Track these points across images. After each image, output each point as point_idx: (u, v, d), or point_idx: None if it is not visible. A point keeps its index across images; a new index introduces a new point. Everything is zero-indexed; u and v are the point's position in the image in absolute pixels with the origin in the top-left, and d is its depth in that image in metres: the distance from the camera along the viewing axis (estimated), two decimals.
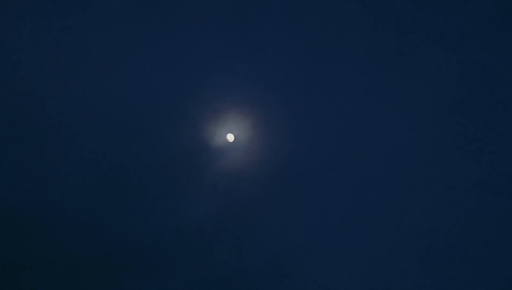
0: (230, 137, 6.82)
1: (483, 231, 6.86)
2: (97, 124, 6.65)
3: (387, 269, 7.08)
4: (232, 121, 6.75)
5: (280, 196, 7.05)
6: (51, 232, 7.03)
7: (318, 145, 6.89)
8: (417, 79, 6.63)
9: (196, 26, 6.42)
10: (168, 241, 7.14)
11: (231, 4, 6.41)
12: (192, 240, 7.15)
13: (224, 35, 6.50)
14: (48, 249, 7.09)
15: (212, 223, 7.08)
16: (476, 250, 6.90)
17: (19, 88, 6.43)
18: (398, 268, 7.05)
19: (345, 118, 6.84)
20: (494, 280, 6.86)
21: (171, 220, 7.06)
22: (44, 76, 6.43)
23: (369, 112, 6.80)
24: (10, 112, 6.53)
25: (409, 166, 6.91)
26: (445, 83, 6.60)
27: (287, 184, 7.02)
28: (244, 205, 7.05)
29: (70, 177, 6.86)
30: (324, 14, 6.47)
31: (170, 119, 6.68)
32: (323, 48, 6.59)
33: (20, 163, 6.75)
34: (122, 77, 6.50)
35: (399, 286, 7.07)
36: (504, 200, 6.76)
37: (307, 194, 7.06)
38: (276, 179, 6.98)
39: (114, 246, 7.12)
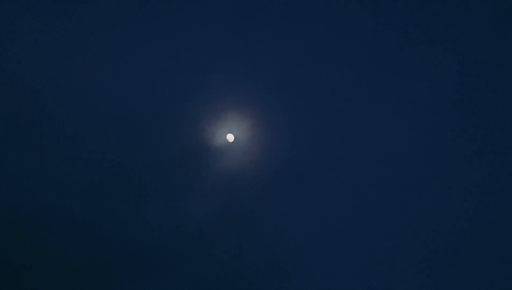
0: (230, 137, 6.82)
1: (483, 231, 6.86)
2: (97, 124, 6.65)
3: (387, 269, 7.08)
4: (232, 121, 6.75)
5: (280, 196, 7.05)
6: (51, 232, 7.03)
7: (318, 145, 6.89)
8: (417, 78, 6.62)
9: (196, 26, 6.41)
10: (168, 241, 7.14)
11: (231, 4, 6.40)
12: (192, 240, 7.15)
13: (224, 35, 6.50)
14: (48, 249, 7.09)
15: (212, 223, 7.09)
16: (476, 250, 6.90)
17: (19, 88, 6.43)
18: (398, 268, 7.05)
19: (345, 118, 6.84)
20: (494, 280, 6.86)
21: (171, 220, 7.06)
22: (44, 76, 6.43)
23: (369, 112, 6.80)
24: (10, 112, 6.53)
25: (409, 166, 6.91)
26: (445, 83, 6.60)
27: (287, 184, 7.02)
28: (244, 205, 7.05)
29: (70, 177, 6.86)
30: (324, 14, 6.47)
31: (170, 119, 6.68)
32: (323, 48, 6.59)
33: (20, 163, 6.75)
34: (122, 77, 6.50)
35: (399, 286, 7.07)
36: (504, 200, 6.76)
37: (307, 194, 7.06)
38: (276, 179, 6.98)
39: (114, 246, 7.12)
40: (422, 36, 6.51)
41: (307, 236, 7.15)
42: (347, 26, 6.50)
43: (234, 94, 6.69)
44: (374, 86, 6.69)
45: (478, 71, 6.53)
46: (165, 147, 6.78)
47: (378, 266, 7.09)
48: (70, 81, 6.46)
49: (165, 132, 6.72)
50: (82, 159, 6.81)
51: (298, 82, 6.69)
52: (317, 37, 6.54)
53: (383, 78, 6.66)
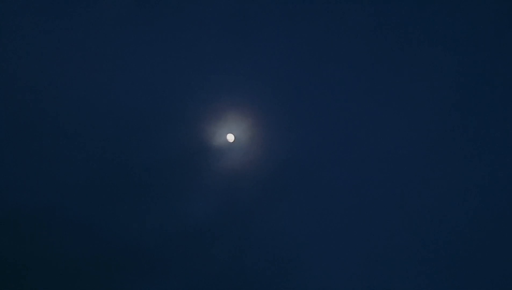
0: (230, 137, 6.82)
1: (483, 231, 6.87)
2: (97, 124, 6.65)
3: (387, 269, 7.08)
4: (232, 121, 6.75)
5: (280, 196, 7.05)
6: (51, 232, 7.03)
7: (318, 145, 6.89)
8: (417, 78, 6.63)
9: (196, 26, 6.41)
10: (168, 241, 7.15)
11: (231, 4, 6.40)
12: (192, 240, 7.15)
13: (224, 35, 6.49)
14: (48, 249, 7.09)
15: (212, 223, 7.09)
16: (476, 250, 6.91)
17: (20, 88, 6.43)
18: (398, 268, 7.05)
19: (345, 118, 6.84)
20: (494, 280, 6.87)
21: (171, 220, 7.06)
22: (44, 76, 6.42)
23: (369, 112, 6.80)
24: (10, 112, 6.53)
25: (409, 166, 6.91)
26: (445, 83, 6.60)
27: (287, 184, 7.02)
28: (244, 205, 7.05)
29: (70, 177, 6.85)
30: (324, 14, 6.47)
31: (170, 119, 6.68)
32: (323, 48, 6.59)
33: (20, 163, 6.75)
34: (122, 78, 6.50)
35: (399, 286, 7.07)
36: (504, 200, 6.76)
37: (307, 194, 7.06)
38: (276, 179, 6.98)
39: (114, 246, 7.12)
40: (422, 36, 6.51)
41: (307, 236, 7.16)
42: (347, 26, 6.50)
43: (234, 94, 6.69)
44: (374, 86, 6.69)
45: (478, 72, 6.53)
46: (165, 147, 6.78)
47: (378, 266, 7.10)
48: (70, 81, 6.46)
49: (165, 132, 6.72)
50: (82, 159, 6.81)
51: (298, 82, 6.70)
52: (317, 37, 6.54)
53: (383, 78, 6.66)
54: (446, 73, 6.58)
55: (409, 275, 7.04)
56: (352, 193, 7.02)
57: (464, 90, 6.61)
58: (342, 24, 6.50)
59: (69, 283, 7.22)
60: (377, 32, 6.51)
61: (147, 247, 7.19)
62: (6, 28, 6.21)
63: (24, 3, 6.14)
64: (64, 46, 6.36)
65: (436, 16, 6.43)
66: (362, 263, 7.12)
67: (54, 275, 7.16)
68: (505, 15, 6.35)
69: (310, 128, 6.85)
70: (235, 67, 6.60)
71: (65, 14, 6.26)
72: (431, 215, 6.95)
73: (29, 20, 6.24)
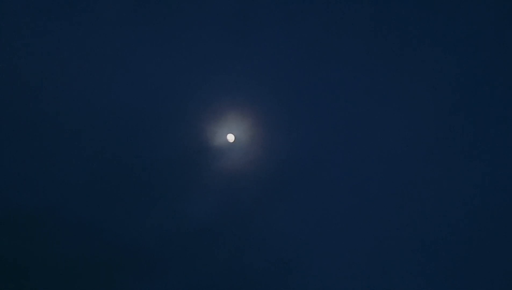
0: (231, 138, 6.82)
1: (483, 231, 6.87)
2: (97, 124, 6.64)
3: (387, 269, 7.09)
4: (232, 121, 6.75)
5: (281, 196, 7.05)
6: (51, 232, 7.03)
7: (318, 145, 6.89)
8: (417, 79, 6.63)
9: (196, 26, 6.41)
10: (168, 241, 7.15)
11: (231, 4, 6.40)
12: (193, 240, 7.15)
13: (224, 35, 6.49)
14: (48, 249, 7.09)
15: (213, 223, 7.09)
16: (476, 250, 6.91)
17: (20, 88, 6.43)
18: (398, 268, 7.06)
19: (345, 118, 6.84)
20: (494, 280, 6.88)
21: (171, 220, 7.07)
22: (44, 76, 6.42)
23: (369, 112, 6.81)
24: (10, 112, 6.52)
25: (409, 166, 6.92)
26: (445, 83, 6.60)
27: (287, 184, 7.03)
28: (245, 205, 7.06)
29: (70, 177, 6.85)
30: (324, 14, 6.47)
31: (170, 119, 6.67)
32: (323, 48, 6.59)
33: (20, 163, 6.75)
34: (122, 77, 6.50)
35: (399, 286, 7.08)
36: (504, 200, 6.77)
37: (308, 194, 7.06)
38: (277, 179, 6.99)
39: (114, 246, 7.12)
40: (422, 36, 6.51)
41: (308, 236, 7.16)
42: (347, 26, 6.51)
43: (234, 94, 6.69)
44: (374, 86, 6.69)
45: (478, 72, 6.53)
46: (165, 147, 6.78)
47: (378, 266, 7.10)
48: (70, 81, 6.46)
49: (165, 132, 6.72)
50: (82, 159, 6.81)
51: (298, 82, 6.70)
52: (317, 37, 6.54)
53: (383, 78, 6.67)
54: (446, 73, 6.59)
55: (409, 275, 7.04)
56: (352, 193, 7.02)
57: (464, 90, 6.62)
58: (342, 24, 6.50)
59: (69, 283, 7.22)
60: (377, 32, 6.52)
61: (147, 247, 7.19)
62: (6, 28, 6.20)
63: (25, 3, 6.14)
64: (64, 46, 6.36)
65: (436, 16, 6.43)
66: (362, 263, 7.13)
67: (54, 275, 7.16)
68: (505, 15, 6.35)
69: (310, 128, 6.86)
70: (235, 67, 6.60)
71: (65, 14, 6.25)
72: (431, 215, 6.96)
73: (30, 20, 6.24)
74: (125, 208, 7.03)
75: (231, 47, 6.52)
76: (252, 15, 6.47)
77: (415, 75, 6.62)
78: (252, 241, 7.15)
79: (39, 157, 6.74)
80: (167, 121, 6.70)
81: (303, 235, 7.16)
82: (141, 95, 6.60)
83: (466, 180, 6.82)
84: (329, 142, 6.87)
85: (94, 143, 6.75)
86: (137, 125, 6.71)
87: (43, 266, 7.12)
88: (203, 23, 6.42)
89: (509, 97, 6.55)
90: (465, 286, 6.94)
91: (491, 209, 6.82)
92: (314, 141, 6.89)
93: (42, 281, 7.17)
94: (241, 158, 6.88)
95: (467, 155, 6.77)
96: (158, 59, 6.49)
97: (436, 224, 6.95)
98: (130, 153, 6.79)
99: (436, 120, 6.74)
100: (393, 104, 6.74)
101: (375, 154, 6.90)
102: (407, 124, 6.80)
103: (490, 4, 6.34)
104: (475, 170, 6.77)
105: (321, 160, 6.95)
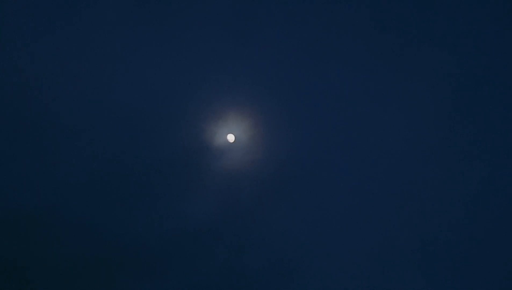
0: (231, 138, 6.82)
1: (483, 231, 6.87)
2: (98, 124, 6.64)
3: (387, 269, 7.09)
4: (232, 122, 6.75)
5: (281, 196, 7.05)
6: (51, 232, 7.03)
7: (318, 145, 6.89)
8: (417, 79, 6.63)
9: (196, 27, 6.41)
10: (169, 241, 7.15)
11: (231, 4, 6.40)
12: (193, 241, 7.15)
13: (224, 35, 6.49)
14: (48, 249, 7.09)
15: (213, 223, 7.09)
16: (476, 251, 6.91)
17: (20, 88, 6.42)
18: (398, 268, 7.06)
19: (345, 118, 6.84)
20: (494, 280, 6.88)
21: (171, 220, 7.06)
22: (45, 76, 6.42)
23: (369, 112, 6.81)
24: (10, 112, 6.52)
25: (409, 166, 6.92)
26: (445, 83, 6.60)
27: (287, 184, 7.03)
28: (245, 205, 7.06)
29: (70, 177, 6.85)
30: (324, 14, 6.47)
31: (170, 119, 6.67)
32: (323, 48, 6.59)
33: (20, 163, 6.75)
34: (123, 78, 6.50)
35: (399, 286, 7.08)
36: (504, 200, 6.77)
37: (308, 194, 7.06)
38: (277, 179, 6.99)
39: (114, 246, 7.12)
40: (422, 36, 6.51)
41: (308, 236, 7.16)
42: (348, 26, 6.51)
43: (234, 94, 6.69)
44: (374, 86, 6.69)
45: (478, 72, 6.53)
46: (165, 147, 6.78)
47: (379, 266, 7.10)
48: (71, 81, 6.45)
49: (165, 132, 6.72)
50: (82, 159, 6.81)
51: (298, 82, 6.70)
52: (317, 37, 6.54)
53: (383, 78, 6.67)
54: (446, 73, 6.59)
55: (409, 275, 7.04)
56: (352, 193, 7.02)
57: (464, 90, 6.62)
58: (342, 24, 6.50)
59: (69, 283, 7.22)
60: (377, 32, 6.52)
61: (147, 247, 7.19)
62: (7, 28, 6.20)
63: (25, 3, 6.14)
64: (64, 46, 6.35)
65: (436, 16, 6.43)
66: (362, 263, 7.13)
67: (54, 275, 7.16)
68: (505, 15, 6.35)
69: (310, 128, 6.86)
70: (235, 67, 6.60)
71: (65, 14, 6.25)
72: (431, 215, 6.96)
73: (30, 20, 6.23)
74: (125, 208, 7.03)
75: (231, 47, 6.52)
76: (252, 15, 6.47)
77: (415, 75, 6.62)
78: (252, 241, 7.15)
79: (39, 157, 6.74)
80: (167, 121, 6.70)
81: (303, 235, 7.16)
82: (141, 95, 6.60)
83: (466, 180, 6.82)
84: (329, 142, 6.87)
85: (94, 143, 6.75)
86: (138, 125, 6.70)
87: (43, 266, 7.12)
88: (203, 23, 6.42)
89: (509, 97, 6.55)
90: (465, 286, 6.94)
91: (491, 209, 6.82)
92: (314, 141, 6.89)
93: (42, 281, 7.17)
94: (241, 158, 6.88)
95: (467, 155, 6.77)
96: (158, 59, 6.49)
97: (436, 224, 6.96)
98: (130, 153, 6.79)
99: (436, 120, 6.74)
100: (393, 104, 6.74)
101: (375, 154, 6.90)
102: (407, 124, 6.80)
103: (490, 4, 6.34)
104: (475, 170, 6.77)
105: (321, 160, 6.95)
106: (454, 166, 6.81)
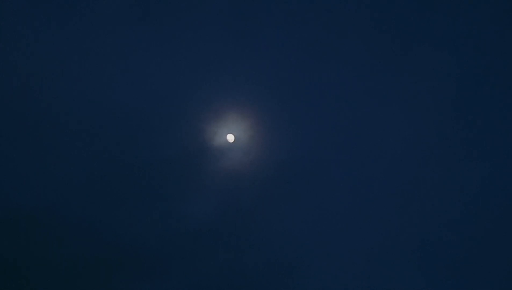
0: (230, 138, 6.82)
1: (483, 231, 6.87)
2: (98, 124, 6.64)
3: (388, 269, 7.09)
4: (232, 122, 6.75)
5: (281, 196, 7.05)
6: (51, 232, 7.03)
7: (318, 145, 6.89)
8: (417, 79, 6.63)
9: (196, 27, 6.41)
10: (168, 241, 7.15)
11: (231, 4, 6.40)
12: (193, 241, 7.15)
13: (224, 35, 6.49)
14: (48, 249, 7.09)
15: (213, 223, 7.09)
16: (476, 251, 6.91)
17: (20, 88, 6.43)
18: (398, 268, 7.06)
19: (345, 118, 6.84)
20: (494, 280, 6.88)
21: (171, 220, 7.07)
22: (45, 76, 6.42)
23: (369, 112, 6.81)
24: (10, 112, 6.52)
25: (410, 166, 6.92)
26: (445, 83, 6.60)
27: (287, 184, 7.03)
28: (245, 205, 7.06)
29: (70, 178, 6.86)
30: (324, 14, 6.47)
31: (170, 119, 6.68)
32: (323, 48, 6.59)
33: (20, 163, 6.75)
34: (123, 78, 6.50)
35: (399, 286, 7.08)
36: (504, 200, 6.77)
37: (308, 194, 7.06)
38: (276, 179, 6.99)
39: (114, 246, 7.12)
40: (422, 36, 6.51)
41: (307, 236, 7.16)
42: (347, 26, 6.50)
43: (234, 94, 6.69)
44: (374, 86, 6.69)
45: (478, 72, 6.53)
46: (165, 147, 6.78)
47: (379, 266, 7.10)
48: (70, 81, 6.46)
49: (165, 132, 6.72)
50: (82, 159, 6.81)
51: (298, 82, 6.70)
52: (317, 37, 6.54)
53: (383, 78, 6.67)
54: (446, 73, 6.59)
55: (409, 275, 7.04)
56: (352, 193, 7.02)
57: (464, 90, 6.61)
58: (342, 24, 6.50)
59: (69, 283, 7.22)
60: (377, 32, 6.51)
61: (147, 247, 7.19)
62: (7, 28, 6.20)
63: (25, 3, 6.14)
64: (64, 46, 6.36)
65: (436, 16, 6.43)
66: (362, 263, 7.13)
67: (53, 275, 7.16)
68: (505, 16, 6.35)
69: (310, 128, 6.86)
70: (235, 67, 6.60)
71: (65, 14, 6.25)
72: (431, 215, 6.96)
73: (30, 20, 6.24)
74: (125, 208, 7.04)
75: (231, 47, 6.52)
76: (252, 15, 6.47)
77: (415, 75, 6.62)
78: (252, 241, 7.16)
79: (39, 157, 6.74)
80: (167, 121, 6.70)
81: (303, 235, 7.16)
82: (141, 95, 6.60)
83: (466, 180, 6.82)
84: (329, 142, 6.87)
85: (94, 143, 6.75)
86: (137, 125, 6.71)
87: (43, 266, 7.12)
88: (203, 23, 6.42)
89: (509, 97, 6.55)
90: (465, 286, 6.94)
91: (491, 209, 6.82)
92: (314, 141, 6.89)
93: (42, 281, 7.17)
94: (241, 158, 6.89)
95: (467, 155, 6.77)
96: (158, 59, 6.49)
97: (436, 224, 6.95)
98: (130, 153, 6.79)
99: (436, 120, 6.74)
100: (393, 104, 6.74)
101: (375, 154, 6.90)
102: (407, 124, 6.80)
103: (490, 4, 6.33)
104: (475, 170, 6.77)
105: (321, 160, 6.95)
106: (454, 166, 6.81)
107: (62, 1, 6.18)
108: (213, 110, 6.68)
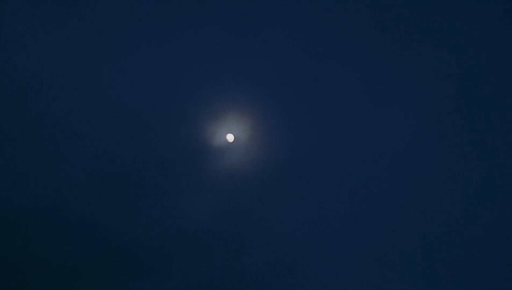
0: (230, 137, 6.82)
1: (483, 231, 6.87)
2: (98, 124, 6.65)
3: (387, 269, 7.08)
4: (232, 121, 6.75)
5: (280, 196, 7.05)
6: (51, 232, 7.03)
7: (318, 145, 6.89)
8: (417, 79, 6.63)
9: (196, 26, 6.42)
10: (168, 241, 7.14)
11: (231, 4, 6.40)
12: (192, 240, 7.15)
13: (224, 35, 6.50)
14: (48, 249, 7.09)
15: (212, 223, 7.09)
16: (476, 251, 6.90)
17: (20, 88, 6.43)
18: (398, 268, 7.05)
19: (345, 118, 6.84)
20: (494, 280, 6.87)
21: (171, 220, 7.07)
22: (45, 76, 6.43)
23: (369, 112, 6.81)
24: (10, 112, 6.53)
25: (409, 166, 6.92)
26: (445, 83, 6.60)
27: (287, 184, 7.02)
28: (244, 205, 7.05)
29: (70, 177, 6.86)
30: (324, 14, 6.47)
31: (170, 119, 6.68)
32: (323, 48, 6.59)
33: (20, 163, 6.75)
34: (123, 78, 6.50)
35: (399, 286, 7.07)
36: (504, 200, 6.76)
37: (307, 194, 7.06)
38: (276, 179, 6.98)
39: (114, 246, 7.12)
40: (422, 36, 6.51)
41: (307, 236, 7.16)
42: (347, 26, 6.51)
43: (234, 94, 6.69)
44: (374, 86, 6.69)
45: (478, 72, 6.53)
46: (165, 147, 6.79)
47: (379, 266, 7.10)
48: (70, 81, 6.46)
49: (165, 132, 6.73)
50: (82, 159, 6.81)
51: (298, 82, 6.70)
52: (317, 37, 6.54)
53: (383, 78, 6.67)
54: (446, 73, 6.59)
55: (409, 275, 7.03)
56: (352, 193, 7.02)
57: (464, 90, 6.61)
58: (342, 24, 6.50)
59: (69, 283, 7.22)
60: (377, 32, 6.52)
61: (147, 247, 7.19)
62: (6, 28, 6.21)
63: (25, 3, 6.15)
64: (64, 46, 6.37)
65: (436, 16, 6.43)
66: (363, 263, 7.12)
67: (53, 275, 7.16)
68: (505, 16, 6.35)
69: (310, 128, 6.86)
70: (235, 67, 6.60)
71: (65, 14, 6.26)
72: (431, 215, 6.95)
73: (30, 20, 6.25)
74: (125, 208, 7.04)
75: (230, 47, 6.52)
76: (252, 15, 6.47)
77: (415, 75, 6.62)
78: (252, 241, 7.15)
79: (39, 157, 6.74)
80: (167, 121, 6.71)
81: (303, 235, 7.15)
82: (141, 95, 6.60)
83: (466, 180, 6.82)
84: (329, 142, 6.87)
85: (94, 143, 6.75)
86: (137, 125, 6.71)
87: (43, 266, 7.12)
88: (203, 23, 6.42)
89: (509, 97, 6.54)
90: (465, 286, 6.93)
91: (491, 209, 6.81)
92: (314, 141, 6.89)
93: (42, 281, 7.17)
94: (240, 158, 6.89)
95: (467, 155, 6.76)
96: (158, 59, 6.50)
97: (436, 224, 6.95)
98: (130, 153, 6.80)
99: (436, 120, 6.73)
100: (393, 104, 6.74)
101: (375, 154, 6.90)
102: (407, 124, 6.80)
103: (490, 4, 6.33)
104: (475, 170, 6.76)
105: (321, 160, 6.94)
106: (454, 166, 6.80)
107: (62, 1, 6.19)
108: (212, 110, 6.68)
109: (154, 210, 7.05)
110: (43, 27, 6.26)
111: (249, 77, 6.63)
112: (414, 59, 6.56)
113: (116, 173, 6.90)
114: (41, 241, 7.05)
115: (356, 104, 6.77)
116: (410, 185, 6.94)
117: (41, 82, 6.45)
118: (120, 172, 6.89)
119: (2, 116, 6.54)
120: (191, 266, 7.25)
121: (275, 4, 6.45)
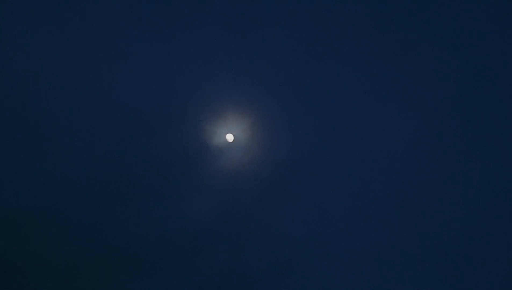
0: (230, 137, 6.82)
1: (483, 232, 6.86)
2: (97, 124, 6.65)
3: (387, 269, 7.08)
4: (231, 121, 6.75)
5: (280, 196, 7.05)
6: (51, 232, 7.04)
7: (317, 144, 6.89)
8: (417, 78, 6.63)
9: (196, 27, 6.42)
10: (168, 240, 7.15)
11: (231, 4, 6.40)
12: (192, 240, 7.15)
13: (223, 35, 6.50)
14: (48, 249, 7.10)
15: (212, 223, 7.09)
16: (476, 251, 6.90)
17: (20, 88, 6.44)
18: (398, 268, 7.05)
19: (345, 118, 6.84)
20: (494, 280, 6.86)
21: (171, 220, 7.07)
22: (45, 76, 6.43)
23: (369, 112, 6.80)
24: (10, 113, 6.54)
25: (410, 167, 6.91)
26: (445, 83, 6.60)
27: (286, 184, 7.02)
28: (244, 204, 7.06)
29: (70, 178, 6.86)
30: (324, 14, 6.47)
31: (170, 119, 6.68)
32: (323, 48, 6.59)
33: (20, 163, 6.76)
34: (122, 78, 6.50)
35: (399, 286, 7.07)
36: (504, 200, 6.75)
37: (307, 194, 7.06)
38: (276, 179, 6.98)
39: (114, 246, 7.13)
40: (422, 36, 6.50)
41: (307, 235, 7.16)
42: (348, 26, 6.50)
43: (234, 94, 6.69)
44: (373, 86, 6.69)
45: (478, 71, 6.52)
46: (165, 147, 6.79)
47: (379, 266, 7.09)
48: (71, 82, 6.47)
49: (165, 132, 6.73)
50: (82, 159, 6.82)
51: (297, 82, 6.70)
52: (317, 37, 6.54)
53: (383, 78, 6.66)
54: (446, 73, 6.58)
55: (409, 275, 7.03)
56: (352, 193, 7.02)
57: (464, 90, 6.61)
58: (342, 24, 6.50)
59: (69, 283, 7.23)
60: (378, 32, 6.51)
61: (147, 247, 7.19)
62: (6, 28, 6.22)
63: (25, 3, 6.15)
64: (64, 46, 6.37)
65: (436, 16, 6.43)
66: (362, 263, 7.12)
67: (54, 275, 7.17)
68: (505, 15, 6.34)
69: (310, 128, 6.85)
70: (235, 67, 6.60)
71: (65, 14, 6.26)
72: (431, 216, 6.95)
73: (30, 20, 6.25)
74: (125, 208, 7.04)
75: (230, 47, 6.52)
76: (251, 15, 6.47)
77: (415, 75, 6.62)
78: (252, 241, 7.15)
79: (39, 157, 6.75)
80: (167, 121, 6.71)
81: (303, 234, 7.15)
82: (141, 95, 6.61)
83: (466, 180, 6.81)
84: (329, 142, 6.86)
85: (94, 143, 6.76)
86: (137, 125, 6.71)
87: (43, 266, 7.13)
88: (203, 23, 6.42)
89: (509, 97, 6.54)
90: (465, 286, 6.93)
91: (491, 210, 6.80)
92: (314, 141, 6.88)
93: (42, 281, 7.17)
94: (240, 158, 6.89)
95: (467, 156, 6.76)
96: (158, 59, 6.50)
97: (436, 225, 6.94)
98: (130, 153, 6.80)
99: (436, 120, 6.73)
100: (393, 104, 6.74)
101: (375, 154, 6.90)
102: (408, 124, 6.80)
103: (490, 4, 6.33)
104: (475, 170, 6.76)
105: (321, 160, 6.94)
106: (454, 166, 6.80)
107: (62, 1, 6.19)
108: (212, 110, 6.68)
109: (154, 210, 7.06)
110: (43, 27, 6.26)
111: (249, 77, 6.63)
112: (414, 59, 6.56)
113: (116, 173, 6.90)
114: (41, 241, 7.06)
115: (356, 104, 6.76)
116: (409, 185, 6.94)
117: (41, 82, 6.45)
118: (120, 172, 6.90)
119: (2, 116, 6.54)
120: (191, 266, 7.25)
121: (275, 4, 6.45)
